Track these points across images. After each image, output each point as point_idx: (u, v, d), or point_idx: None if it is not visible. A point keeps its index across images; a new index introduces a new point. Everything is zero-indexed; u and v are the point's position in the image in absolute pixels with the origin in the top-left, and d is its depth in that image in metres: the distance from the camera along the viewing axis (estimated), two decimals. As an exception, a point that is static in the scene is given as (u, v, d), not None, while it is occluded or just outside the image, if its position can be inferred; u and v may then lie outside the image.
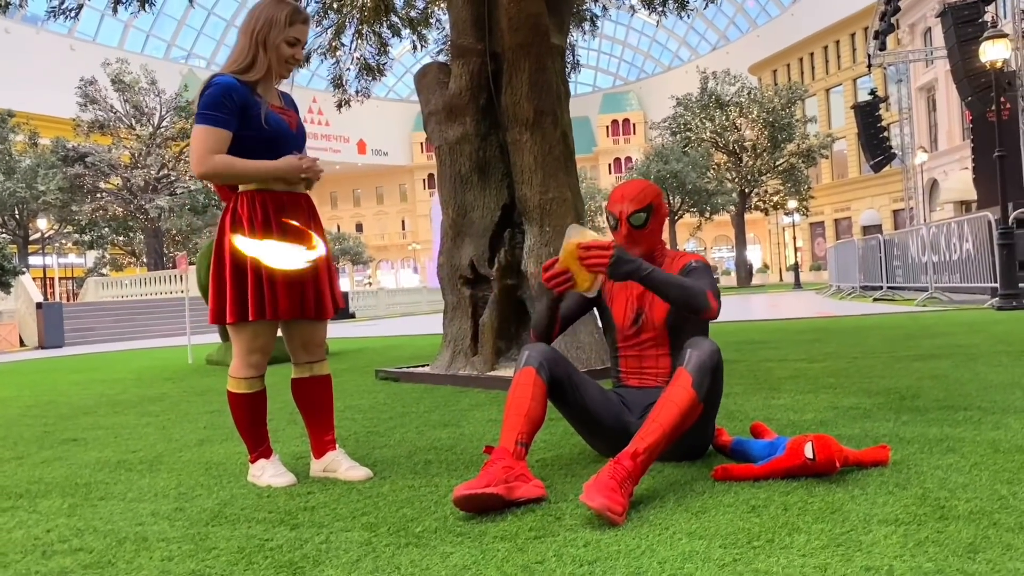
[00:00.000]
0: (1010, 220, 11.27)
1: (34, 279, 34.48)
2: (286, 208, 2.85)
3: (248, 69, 2.83)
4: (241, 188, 2.84)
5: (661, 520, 2.15)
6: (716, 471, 2.54)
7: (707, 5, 8.71)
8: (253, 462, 2.96)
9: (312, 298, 2.88)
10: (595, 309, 3.10)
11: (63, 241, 37.10)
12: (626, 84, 76.48)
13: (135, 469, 3.33)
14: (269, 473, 2.90)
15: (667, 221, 2.76)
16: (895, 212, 45.37)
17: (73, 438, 4.28)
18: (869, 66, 24.91)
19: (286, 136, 2.86)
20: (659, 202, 2.89)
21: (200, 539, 2.25)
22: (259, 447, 2.96)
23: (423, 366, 6.42)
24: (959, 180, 33.28)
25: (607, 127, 71.84)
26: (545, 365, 2.65)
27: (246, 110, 2.78)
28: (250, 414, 2.93)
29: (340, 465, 2.94)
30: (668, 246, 3.06)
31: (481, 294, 5.95)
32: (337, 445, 3.02)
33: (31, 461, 3.67)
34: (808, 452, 2.41)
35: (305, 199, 2.94)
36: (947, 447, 2.78)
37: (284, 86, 3.10)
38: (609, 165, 70.01)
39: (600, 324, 5.12)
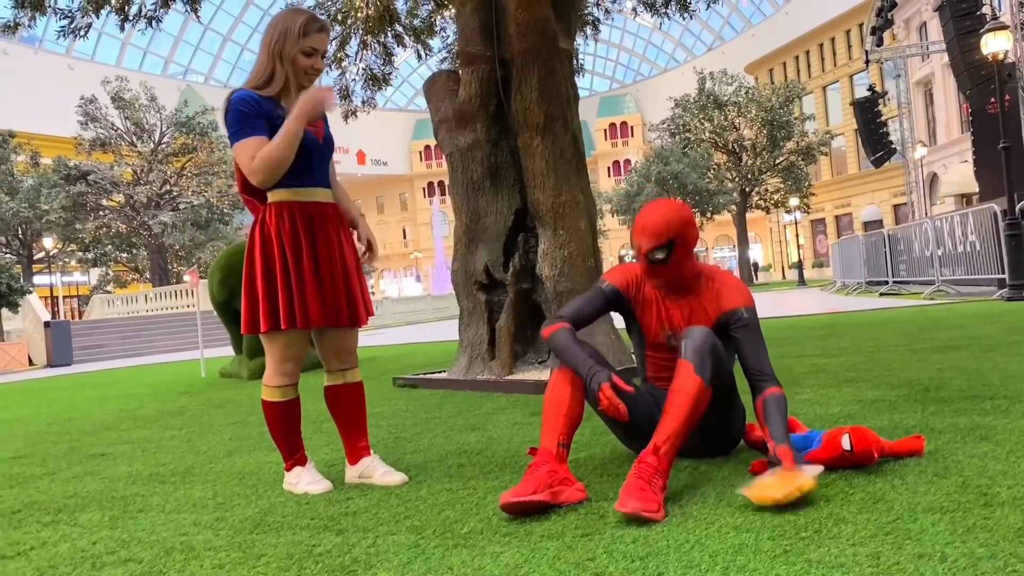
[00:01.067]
0: (1017, 210, 11.28)
1: (40, 298, 34.60)
2: (314, 218, 2.88)
3: (267, 84, 2.85)
4: (270, 199, 2.86)
5: (705, 515, 2.17)
6: (754, 465, 2.56)
7: (709, 5, 8.76)
8: (289, 470, 2.99)
9: (345, 305, 2.91)
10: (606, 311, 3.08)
11: (67, 259, 37.19)
12: (623, 87, 76.63)
13: (168, 481, 3.35)
14: (305, 480, 2.92)
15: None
16: (896, 207, 45.39)
17: (101, 453, 4.30)
18: (867, 62, 24.99)
19: (312, 147, 2.89)
20: (684, 232, 2.64)
21: (247, 547, 2.27)
22: (294, 455, 2.98)
23: (440, 372, 6.44)
24: (959, 173, 33.31)
25: (605, 130, 71.95)
26: None
27: (271, 122, 2.81)
28: (285, 422, 2.96)
29: (376, 471, 2.96)
30: None
31: (496, 299, 5.98)
32: (372, 451, 3.04)
33: (63, 476, 3.69)
34: (846, 444, 2.43)
35: (333, 208, 2.96)
36: (980, 436, 2.80)
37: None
38: (608, 168, 70.11)
39: (613, 323, 5.14)
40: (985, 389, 3.78)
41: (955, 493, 2.14)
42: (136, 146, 34.60)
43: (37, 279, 35.46)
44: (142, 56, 55.03)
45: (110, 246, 34.40)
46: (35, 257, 34.41)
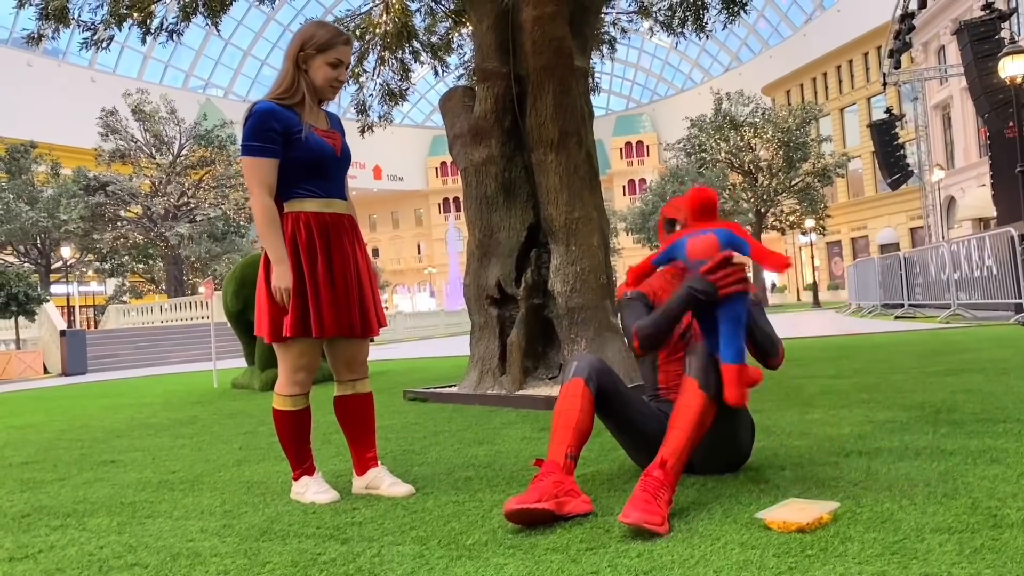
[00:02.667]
0: (1034, 235, 11.20)
1: (56, 307, 34.89)
2: (330, 229, 2.90)
3: (289, 93, 2.89)
4: (287, 208, 2.89)
5: (711, 531, 2.16)
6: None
7: (725, 26, 8.78)
8: (296, 479, 3.00)
9: (358, 315, 2.93)
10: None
11: (84, 269, 37.51)
12: (639, 106, 76.80)
13: (177, 488, 3.37)
14: (313, 490, 2.93)
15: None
16: (912, 230, 45.13)
17: (111, 460, 4.33)
18: (884, 84, 24.95)
19: (329, 159, 2.92)
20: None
21: (252, 554, 2.28)
22: (303, 464, 2.99)
23: (451, 386, 6.44)
24: (977, 197, 33.10)
25: (621, 149, 72.07)
26: (594, 376, 2.66)
27: (289, 134, 2.84)
28: (295, 431, 2.97)
29: (383, 482, 2.97)
30: None
31: (508, 314, 5.99)
32: (379, 462, 3.05)
33: (73, 482, 3.71)
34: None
35: (349, 220, 2.99)
36: (991, 458, 2.77)
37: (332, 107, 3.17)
38: (623, 187, 70.18)
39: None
40: (998, 412, 3.75)
41: (964, 514, 2.13)
42: (155, 158, 34.95)
43: (54, 288, 35.76)
44: (163, 69, 55.66)
45: (127, 257, 34.68)
46: (53, 266, 34.73)
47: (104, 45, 6.98)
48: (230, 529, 2.59)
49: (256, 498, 3.06)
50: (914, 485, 2.47)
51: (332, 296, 2.86)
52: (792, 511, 2.21)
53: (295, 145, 2.85)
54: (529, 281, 5.86)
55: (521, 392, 5.58)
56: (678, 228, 2.80)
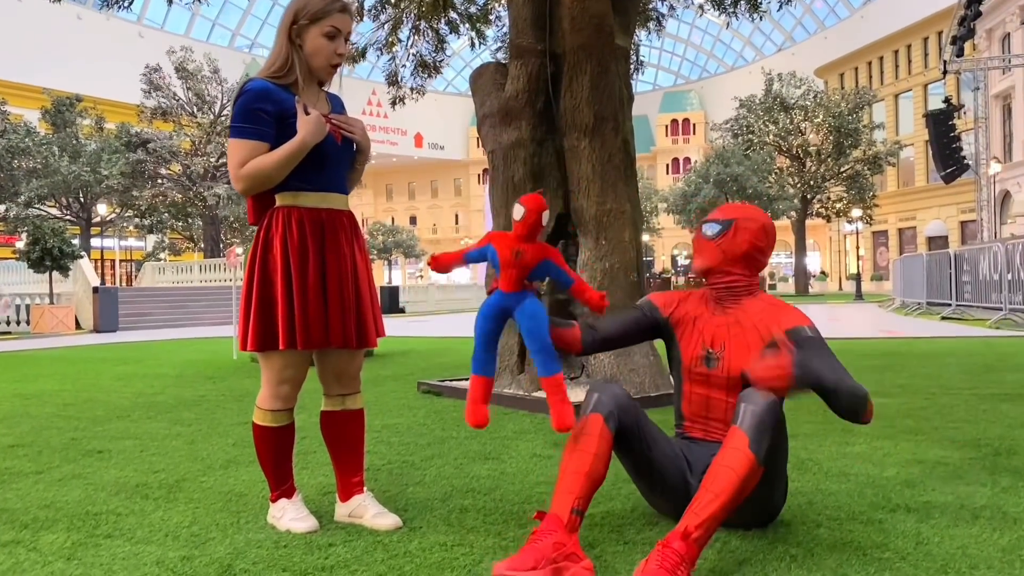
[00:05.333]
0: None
1: (95, 261, 35.27)
2: (325, 227, 2.58)
3: (283, 71, 2.56)
4: (277, 202, 2.58)
5: (730, 621, 1.83)
6: None
7: (781, 7, 8.27)
8: (274, 501, 2.71)
9: (353, 324, 2.61)
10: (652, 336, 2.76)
11: (124, 224, 37.82)
12: (688, 83, 75.35)
13: (152, 496, 3.11)
14: (289, 516, 2.64)
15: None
16: (963, 223, 43.80)
17: (99, 449, 4.10)
18: (944, 72, 23.95)
19: (328, 147, 2.57)
20: (749, 225, 2.49)
21: (201, 605, 1.99)
22: (281, 486, 2.70)
23: (467, 379, 6.14)
24: (1034, 193, 31.95)
25: (666, 126, 70.84)
26: (615, 413, 2.32)
27: (283, 117, 2.51)
28: (275, 450, 2.68)
29: (367, 511, 2.67)
30: None
31: (531, 308, 5.64)
32: (365, 488, 2.75)
33: (50, 478, 3.47)
34: (517, 214, 2.35)
35: (348, 216, 2.66)
36: (1064, 532, 2.39)
37: (333, 86, 2.82)
38: (667, 165, 69.06)
39: (654, 348, 4.81)
40: (1065, 460, 3.34)
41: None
42: (196, 117, 34.94)
43: (94, 242, 36.13)
44: (211, 27, 55.74)
45: (166, 214, 34.84)
46: (94, 221, 35.04)
47: (125, 4, 6.71)
48: (188, 564, 2.30)
49: (231, 517, 2.78)
50: (974, 567, 2.11)
51: (323, 303, 2.54)
52: None
53: (290, 130, 2.52)
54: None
55: (538, 394, 5.25)
56: None
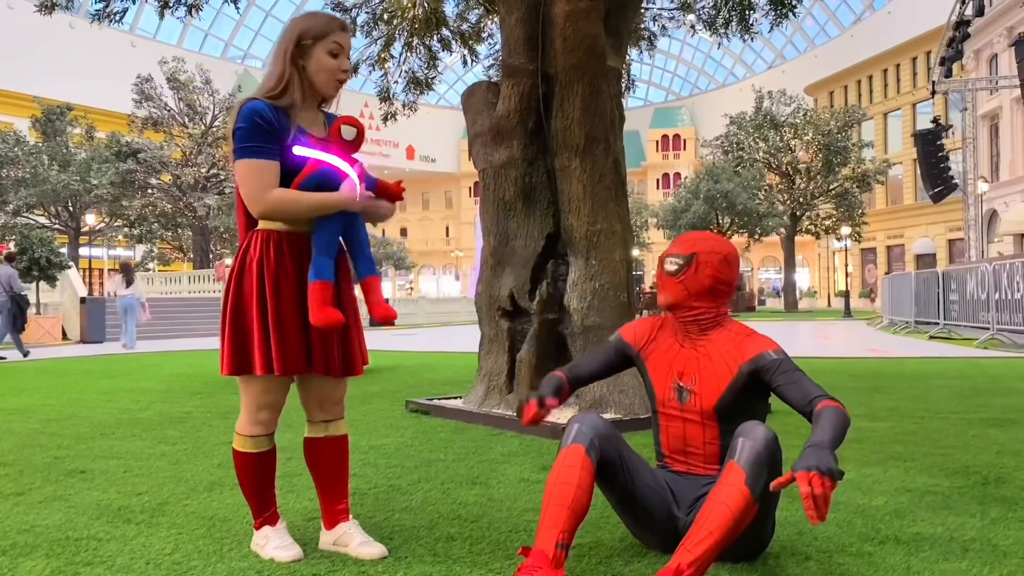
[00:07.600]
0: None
1: (84, 270, 35.05)
2: (304, 251, 2.54)
3: (281, 94, 2.51)
4: (259, 225, 2.54)
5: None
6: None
7: (772, 28, 8.32)
8: (257, 528, 2.67)
9: (336, 351, 2.57)
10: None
11: (113, 234, 37.63)
12: (679, 99, 75.77)
13: (134, 520, 3.06)
14: (273, 544, 2.60)
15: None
16: (950, 242, 44.07)
17: (81, 469, 4.04)
18: (933, 92, 24.15)
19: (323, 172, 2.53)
20: (711, 259, 2.46)
21: (181, 640, 1.95)
22: (264, 512, 2.66)
23: (455, 398, 6.11)
24: (1021, 212, 32.16)
25: (657, 142, 71.14)
26: (596, 444, 2.30)
27: (282, 139, 2.47)
28: (256, 476, 2.64)
29: (352, 539, 2.63)
30: None
31: (520, 328, 5.63)
32: (350, 516, 2.71)
33: (31, 499, 3.42)
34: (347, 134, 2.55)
35: None
36: (1054, 568, 2.38)
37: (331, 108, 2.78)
38: (658, 180, 69.28)
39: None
40: (1054, 490, 3.33)
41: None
42: (187, 127, 34.87)
43: (83, 251, 35.91)
44: (203, 38, 55.74)
45: (155, 224, 34.71)
46: (82, 230, 34.85)
47: (118, 18, 6.69)
48: (168, 595, 2.26)
49: (213, 544, 2.74)
50: (964, 605, 2.09)
51: (302, 328, 2.50)
52: None
53: (285, 154, 2.49)
54: (544, 295, 5.49)
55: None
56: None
